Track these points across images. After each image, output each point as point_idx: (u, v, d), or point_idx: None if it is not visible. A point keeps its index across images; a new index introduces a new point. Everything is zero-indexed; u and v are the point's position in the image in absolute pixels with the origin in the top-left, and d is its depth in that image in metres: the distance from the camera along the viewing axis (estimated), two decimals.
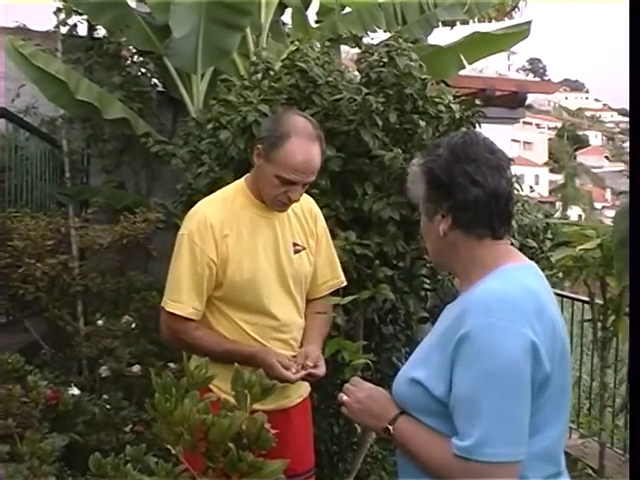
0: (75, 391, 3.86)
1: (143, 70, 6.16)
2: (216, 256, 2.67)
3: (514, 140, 56.20)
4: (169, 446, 2.45)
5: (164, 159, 5.34)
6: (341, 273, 2.96)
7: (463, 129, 3.84)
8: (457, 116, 3.79)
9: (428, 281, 3.80)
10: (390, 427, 1.78)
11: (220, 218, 2.70)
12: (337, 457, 4.72)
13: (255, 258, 2.71)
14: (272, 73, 4.04)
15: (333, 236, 3.41)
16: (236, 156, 3.65)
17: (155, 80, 6.25)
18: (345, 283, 2.93)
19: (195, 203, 4.07)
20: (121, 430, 3.96)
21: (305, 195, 2.82)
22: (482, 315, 1.62)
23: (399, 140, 3.72)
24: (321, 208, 3.48)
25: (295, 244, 2.79)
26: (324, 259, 2.90)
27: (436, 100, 3.76)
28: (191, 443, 1.37)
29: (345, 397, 1.90)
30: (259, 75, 4.10)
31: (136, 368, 4.35)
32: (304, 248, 2.81)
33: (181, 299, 2.67)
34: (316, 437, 3.26)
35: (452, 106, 3.79)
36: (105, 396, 4.13)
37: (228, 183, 3.64)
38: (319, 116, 3.62)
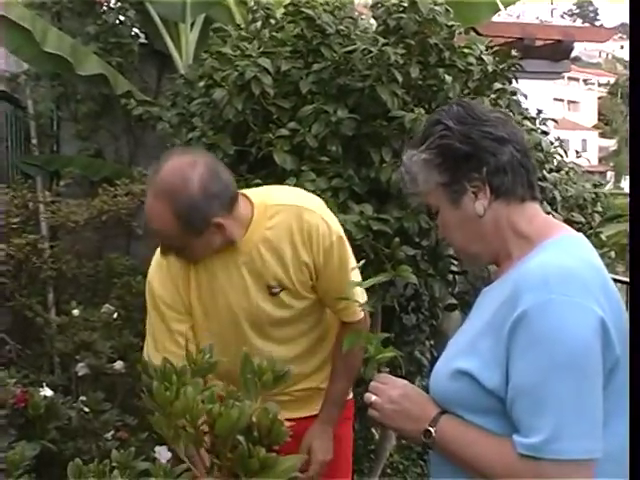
0: (47, 392, 3.89)
1: (122, 18, 6.16)
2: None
3: (557, 99, 55.94)
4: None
5: (148, 123, 5.37)
6: (357, 309, 2.57)
7: (496, 84, 3.87)
8: (490, 70, 3.82)
9: (456, 262, 3.84)
10: (432, 429, 1.76)
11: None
12: (352, 467, 4.77)
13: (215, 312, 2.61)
14: (273, 21, 4.07)
15: (346, 209, 3.45)
16: (233, 118, 3.68)
17: (137, 30, 6.26)
18: (361, 315, 2.63)
19: None
20: (101, 437, 3.99)
21: (307, 213, 2.54)
22: (540, 291, 1.62)
23: (422, 98, 3.74)
24: (332, 178, 3.53)
25: (270, 286, 2.56)
26: (328, 287, 2.60)
27: (465, 51, 3.79)
28: (194, 437, 1.38)
29: (374, 397, 1.86)
30: (258, 24, 4.12)
31: (119, 365, 4.40)
32: (282, 289, 2.56)
33: None
34: None
35: (484, 58, 3.82)
36: (82, 398, 4.16)
37: (224, 150, 3.70)
38: (329, 71, 3.65)
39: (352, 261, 2.60)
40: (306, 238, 2.49)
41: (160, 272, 2.59)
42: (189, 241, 2.40)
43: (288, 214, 2.51)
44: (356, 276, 2.44)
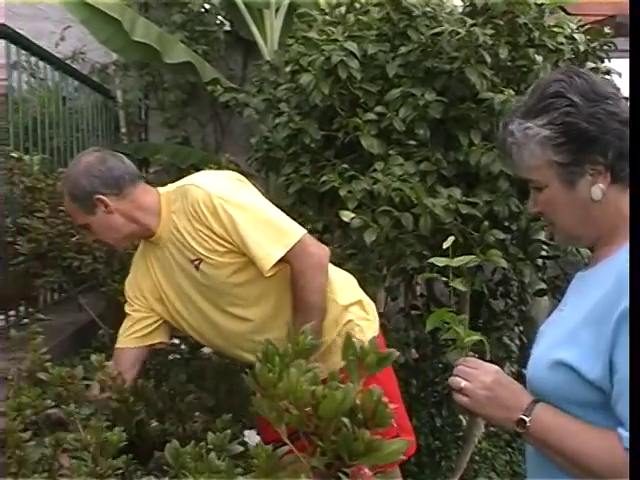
0: None
1: (207, 6, 6.21)
2: None
3: None
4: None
5: (235, 110, 5.39)
6: (264, 257, 2.69)
7: (589, 64, 3.78)
8: (581, 49, 3.73)
9: (547, 247, 3.77)
10: (526, 418, 1.69)
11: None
12: (440, 454, 4.76)
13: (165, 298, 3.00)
14: (358, 5, 4.04)
15: (434, 193, 3.42)
16: (320, 103, 3.68)
17: (222, 18, 6.30)
18: (267, 268, 2.69)
19: (273, 159, 4.17)
20: (187, 418, 4.03)
21: (189, 190, 2.76)
22: None
23: (511, 80, 3.68)
24: (420, 161, 3.50)
25: (192, 260, 2.80)
26: (240, 243, 2.72)
27: (555, 30, 3.71)
28: (298, 419, 1.37)
29: (464, 382, 1.78)
30: (343, 8, 4.10)
31: (207, 349, 4.44)
32: (200, 261, 2.77)
33: None
34: (415, 430, 3.29)
35: (575, 37, 3.73)
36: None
37: (311, 135, 3.71)
38: (416, 54, 3.62)
39: (252, 212, 2.72)
40: (193, 212, 2.72)
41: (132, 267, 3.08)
42: (87, 219, 2.82)
43: (179, 196, 2.79)
44: (264, 223, 2.68)
